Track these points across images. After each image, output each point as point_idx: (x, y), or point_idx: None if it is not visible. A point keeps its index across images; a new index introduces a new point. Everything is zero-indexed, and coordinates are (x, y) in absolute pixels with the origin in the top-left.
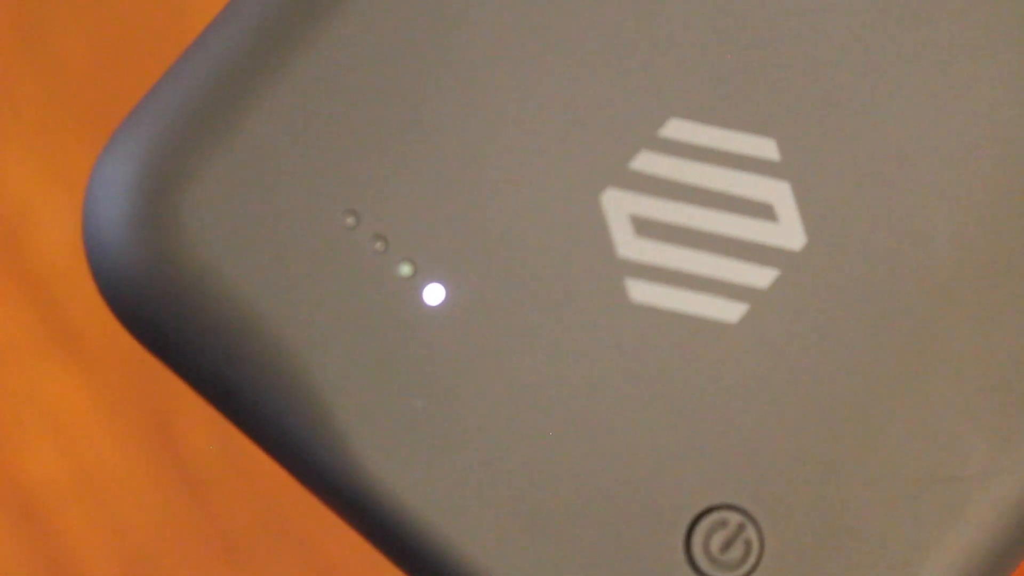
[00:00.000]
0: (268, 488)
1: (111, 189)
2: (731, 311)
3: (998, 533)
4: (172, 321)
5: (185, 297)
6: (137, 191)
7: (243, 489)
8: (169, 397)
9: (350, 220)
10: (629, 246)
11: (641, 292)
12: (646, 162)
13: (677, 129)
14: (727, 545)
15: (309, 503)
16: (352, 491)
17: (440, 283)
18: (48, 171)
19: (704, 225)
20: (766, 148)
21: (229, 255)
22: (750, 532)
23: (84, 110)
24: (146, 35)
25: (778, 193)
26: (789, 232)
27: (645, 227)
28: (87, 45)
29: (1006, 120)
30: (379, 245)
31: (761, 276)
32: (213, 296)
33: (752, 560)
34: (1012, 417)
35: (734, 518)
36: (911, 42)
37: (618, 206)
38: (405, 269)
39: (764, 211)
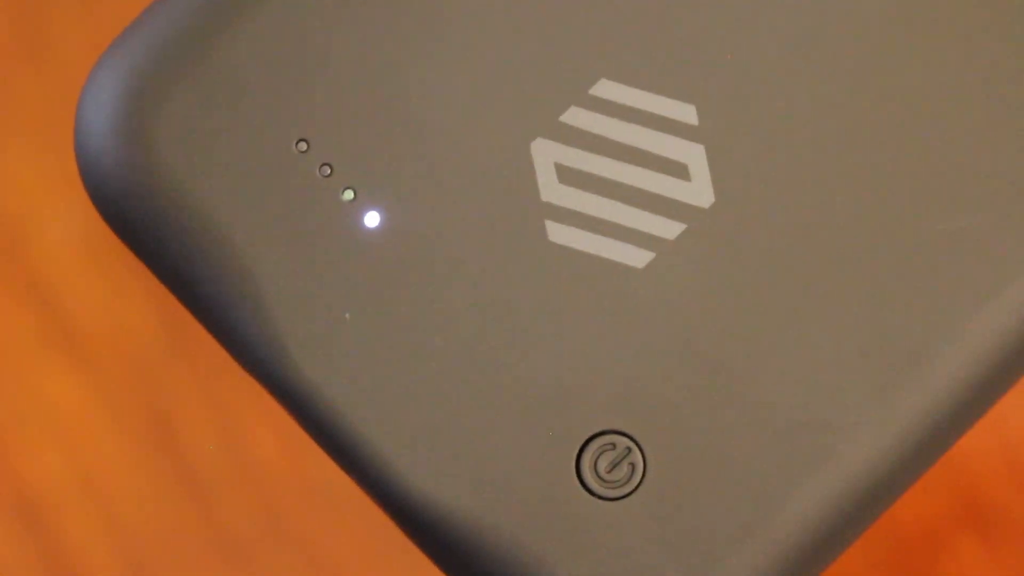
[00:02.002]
0: (268, 489)
1: (98, 103)
2: (638, 257)
3: (865, 480)
4: (140, 218)
5: (152, 198)
6: (118, 107)
7: (243, 489)
8: (170, 398)
9: (302, 146)
10: (552, 191)
11: (559, 233)
12: (575, 117)
13: (606, 89)
14: (614, 466)
15: (309, 504)
16: (282, 383)
17: (378, 210)
18: (49, 172)
19: (622, 178)
20: (686, 113)
21: (192, 166)
22: (636, 456)
23: None
24: None
25: (693, 155)
26: (699, 191)
27: (568, 175)
28: (87, 45)
29: (912, 105)
30: (326, 171)
31: (669, 228)
32: (175, 200)
33: (636, 481)
34: (886, 376)
35: (622, 442)
36: (831, 25)
37: (546, 154)
38: (347, 194)
39: (679, 170)
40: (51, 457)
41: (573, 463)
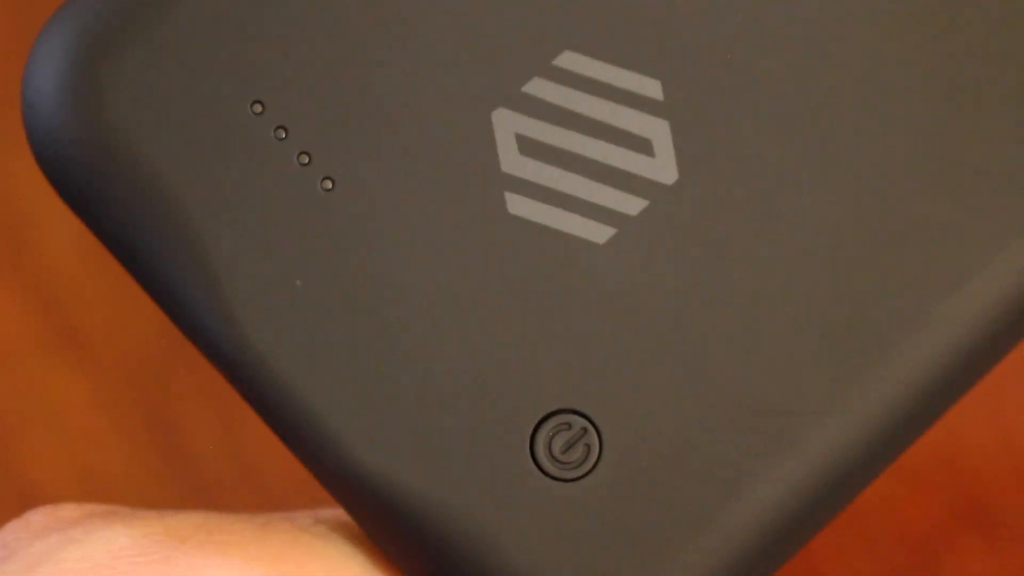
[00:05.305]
0: (271, 489)
1: (47, 60)
2: (599, 233)
3: (826, 470)
4: (88, 178)
5: (101, 162)
6: (69, 64)
7: (245, 490)
8: (171, 398)
9: (257, 108)
10: (512, 162)
11: (518, 205)
12: (538, 88)
13: (570, 61)
14: (569, 446)
15: (309, 504)
16: (228, 352)
17: (332, 175)
18: None
19: (584, 151)
20: (651, 88)
21: (143, 126)
22: (592, 437)
23: None
24: None
25: (657, 130)
26: (663, 167)
27: (529, 146)
28: None
29: (882, 92)
30: (281, 134)
31: (631, 204)
32: (126, 160)
33: (590, 463)
34: (850, 364)
35: (578, 422)
36: (801, 6)
37: (507, 124)
38: (302, 159)
39: (643, 145)
40: (52, 457)
41: (527, 442)
